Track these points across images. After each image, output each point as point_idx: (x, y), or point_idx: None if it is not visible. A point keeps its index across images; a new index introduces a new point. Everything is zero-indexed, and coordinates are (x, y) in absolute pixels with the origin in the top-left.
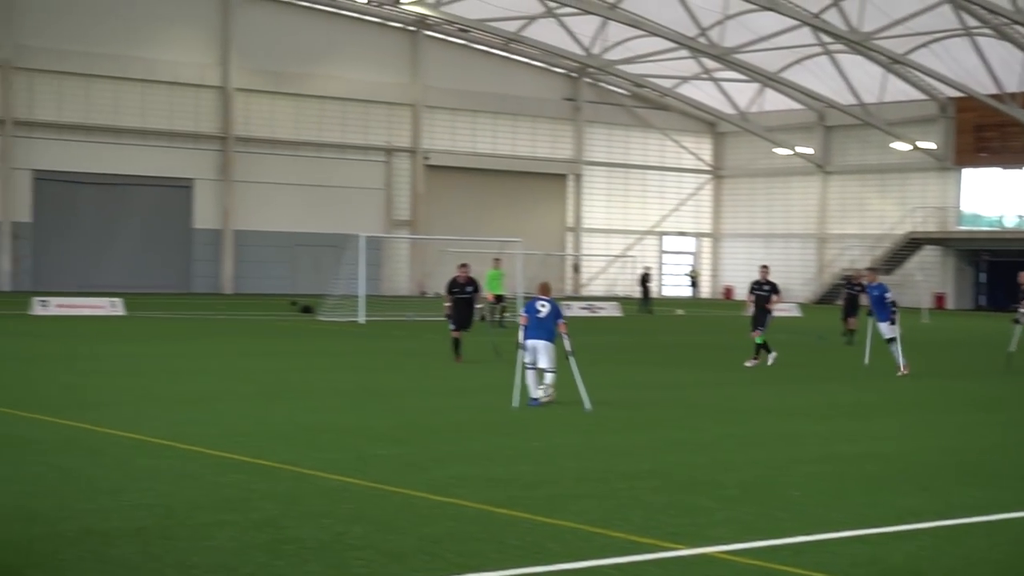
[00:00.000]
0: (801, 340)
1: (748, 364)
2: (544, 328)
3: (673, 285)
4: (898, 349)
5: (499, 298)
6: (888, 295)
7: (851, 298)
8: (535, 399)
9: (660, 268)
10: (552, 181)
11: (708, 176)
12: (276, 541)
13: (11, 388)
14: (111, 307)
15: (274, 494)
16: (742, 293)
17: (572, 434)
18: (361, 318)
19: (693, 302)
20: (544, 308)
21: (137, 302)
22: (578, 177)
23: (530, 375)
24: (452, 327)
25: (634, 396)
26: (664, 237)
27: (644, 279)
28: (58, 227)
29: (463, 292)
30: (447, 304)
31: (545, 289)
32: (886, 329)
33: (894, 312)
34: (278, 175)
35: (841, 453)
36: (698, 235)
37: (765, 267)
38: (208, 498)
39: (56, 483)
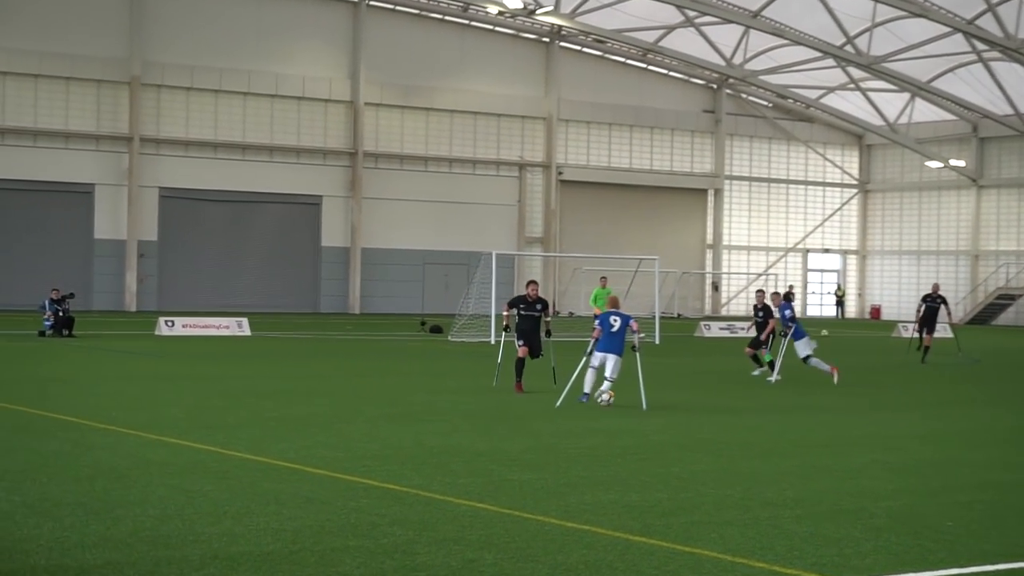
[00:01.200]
0: (952, 362)
1: (755, 373)
2: (616, 341)
3: (817, 304)
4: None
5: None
6: (788, 313)
7: (930, 311)
8: (587, 394)
9: (804, 287)
10: (691, 196)
11: (855, 190)
12: (406, 568)
13: (137, 410)
14: (237, 327)
15: (404, 520)
16: (890, 313)
17: (712, 459)
18: (492, 338)
19: (839, 322)
20: (616, 322)
21: (264, 322)
22: (718, 192)
23: (590, 374)
24: (520, 342)
25: (777, 420)
26: (808, 254)
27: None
28: (184, 246)
29: (532, 309)
30: (506, 315)
31: (615, 303)
32: (801, 347)
33: (788, 328)
34: (407, 191)
35: (998, 481)
36: (844, 252)
37: (761, 291)
38: (336, 523)
39: (182, 506)
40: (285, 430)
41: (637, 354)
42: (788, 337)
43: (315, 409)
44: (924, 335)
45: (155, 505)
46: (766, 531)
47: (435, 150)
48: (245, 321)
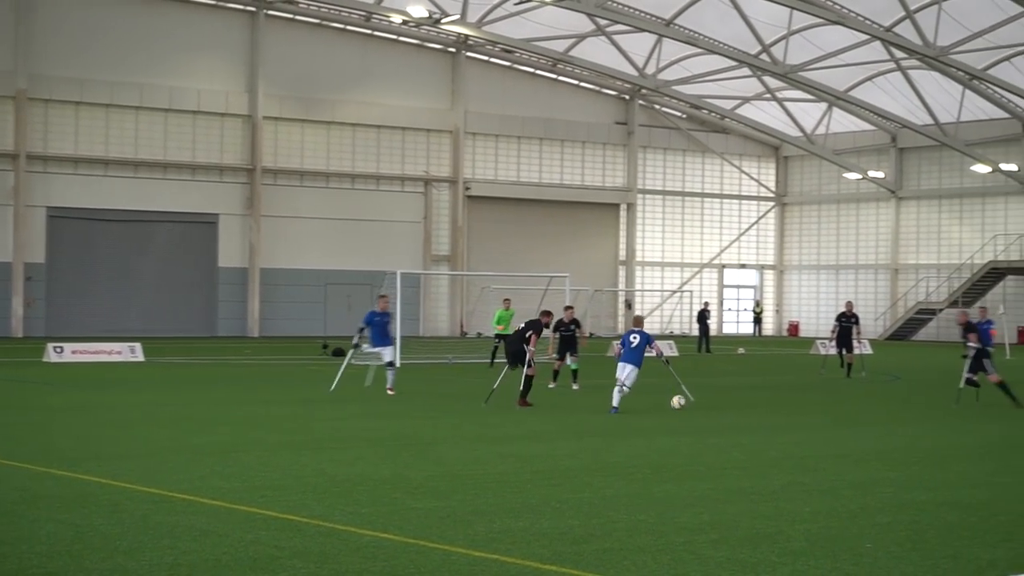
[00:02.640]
0: (874, 379)
1: (575, 387)
2: (635, 354)
3: (734, 322)
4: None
5: (502, 337)
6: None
7: (844, 331)
8: (615, 408)
9: (720, 303)
10: (603, 211)
11: (772, 204)
12: None
13: (24, 441)
14: (130, 353)
15: (304, 552)
16: (808, 330)
17: (624, 484)
18: (397, 361)
19: (755, 340)
20: (636, 339)
21: (158, 347)
22: (631, 206)
23: (616, 390)
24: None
25: (691, 442)
26: (724, 270)
27: (702, 316)
28: (73, 268)
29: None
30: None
31: (638, 322)
32: (388, 353)
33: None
34: (308, 209)
35: (918, 501)
36: (761, 267)
37: (570, 307)
38: (233, 557)
39: (71, 541)
40: (179, 460)
41: (669, 366)
42: None
43: (211, 437)
44: (844, 353)
45: (42, 541)
46: (681, 557)
47: (337, 166)
48: (138, 346)
